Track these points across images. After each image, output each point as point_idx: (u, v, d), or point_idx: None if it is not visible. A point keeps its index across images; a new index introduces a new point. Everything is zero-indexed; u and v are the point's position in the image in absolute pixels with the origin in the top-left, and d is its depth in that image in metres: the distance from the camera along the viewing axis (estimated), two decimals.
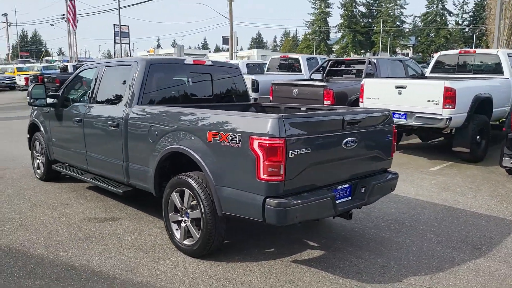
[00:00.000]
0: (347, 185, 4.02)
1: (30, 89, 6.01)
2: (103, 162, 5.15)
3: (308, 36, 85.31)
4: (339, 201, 3.92)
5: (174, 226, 4.19)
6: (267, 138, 3.30)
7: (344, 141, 3.79)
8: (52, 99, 6.05)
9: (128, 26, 56.51)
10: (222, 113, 3.85)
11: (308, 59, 13.51)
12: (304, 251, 4.27)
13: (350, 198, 4.07)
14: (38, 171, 6.81)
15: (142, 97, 4.72)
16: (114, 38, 54.54)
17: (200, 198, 3.81)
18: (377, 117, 4.31)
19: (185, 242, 4.07)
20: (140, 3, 42.98)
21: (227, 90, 5.68)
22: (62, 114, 5.92)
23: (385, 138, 4.38)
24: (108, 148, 5.03)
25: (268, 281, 3.62)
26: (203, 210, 3.80)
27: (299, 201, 3.42)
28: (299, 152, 3.41)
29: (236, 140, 3.50)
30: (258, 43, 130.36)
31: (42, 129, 6.52)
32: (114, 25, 54.92)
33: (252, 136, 3.38)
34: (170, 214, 4.20)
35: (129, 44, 59.66)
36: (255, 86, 11.92)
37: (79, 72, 6.03)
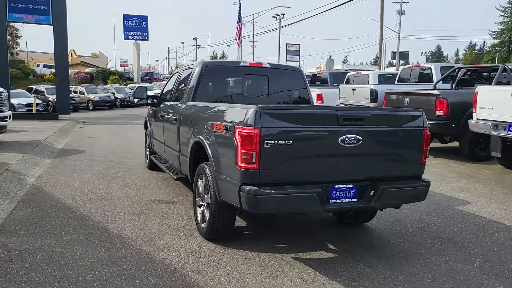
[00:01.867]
0: (350, 186, 3.84)
1: (134, 90, 7.22)
2: (170, 152, 5.92)
3: (495, 48, 75.59)
4: (336, 200, 3.78)
5: (198, 210, 4.61)
6: (244, 127, 3.47)
7: (340, 138, 3.66)
8: (153, 100, 7.17)
9: (299, 44, 59.81)
10: (223, 105, 4.13)
11: (442, 68, 12.33)
12: (315, 251, 4.20)
13: (355, 199, 3.87)
14: (146, 161, 8.08)
15: (195, 95, 5.31)
16: (286, 57, 58.36)
17: (209, 185, 4.15)
18: (396, 117, 3.98)
19: (202, 225, 4.45)
20: (297, 22, 44.55)
21: (285, 93, 5.86)
22: (156, 111, 6.96)
23: (412, 140, 4.01)
24: (173, 140, 5.77)
25: (252, 269, 3.73)
26: (210, 196, 4.14)
27: (273, 191, 3.47)
28: (276, 143, 3.47)
29: (228, 130, 3.76)
30: (436, 57, 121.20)
31: (148, 125, 7.75)
32: (287, 44, 58.88)
33: (235, 126, 3.60)
34: (196, 199, 4.65)
35: (298, 61, 62.90)
36: (373, 96, 11.51)
37: (171, 76, 7.01)
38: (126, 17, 40.05)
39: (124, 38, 40.13)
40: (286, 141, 3.50)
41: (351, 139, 3.69)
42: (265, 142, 3.43)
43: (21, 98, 23.59)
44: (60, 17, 18.97)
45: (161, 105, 6.69)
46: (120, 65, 70.43)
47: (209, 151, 4.13)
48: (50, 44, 19.44)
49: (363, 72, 15.01)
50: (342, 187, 3.81)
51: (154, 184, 6.72)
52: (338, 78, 16.68)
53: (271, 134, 3.47)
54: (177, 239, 4.38)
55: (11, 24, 48.99)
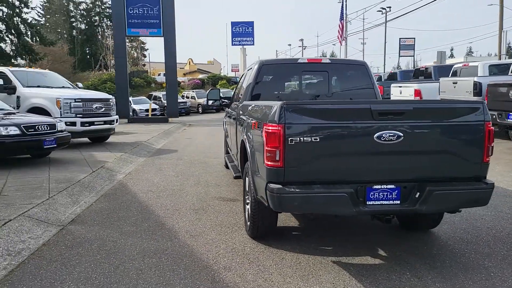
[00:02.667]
0: (392, 186, 3.51)
1: (207, 92, 7.54)
2: (234, 150, 6.05)
3: None
4: (374, 202, 3.49)
5: (246, 208, 4.65)
6: (269, 124, 3.41)
7: (376, 134, 3.37)
8: (227, 101, 7.41)
9: (414, 38, 56.38)
10: (262, 103, 4.08)
11: None
12: (361, 256, 3.93)
13: (398, 202, 3.52)
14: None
15: (252, 94, 5.35)
16: (399, 52, 55.54)
17: (249, 183, 4.16)
18: (445, 110, 3.52)
19: (248, 223, 4.47)
20: (406, 14, 41.61)
21: (348, 88, 5.57)
22: (227, 112, 7.18)
23: (468, 136, 3.52)
24: (233, 139, 5.89)
25: (284, 270, 3.63)
26: (250, 194, 4.15)
27: (298, 190, 3.34)
28: (302, 140, 3.33)
29: (260, 127, 3.72)
30: None
31: (224, 125, 8.03)
32: (400, 38, 56.00)
33: (263, 123, 3.55)
34: (245, 197, 4.69)
35: (413, 56, 59.29)
36: (477, 89, 10.31)
37: (241, 77, 7.16)
38: (233, 24, 41.91)
39: (232, 44, 42.04)
40: (313, 138, 3.34)
41: (390, 136, 3.38)
42: (289, 139, 3.33)
43: (142, 104, 26.33)
44: (169, 29, 20.61)
45: (231, 106, 6.88)
46: (232, 70, 73.79)
47: (248, 149, 4.14)
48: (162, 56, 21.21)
49: (471, 63, 13.50)
50: (381, 188, 3.50)
51: (224, 182, 6.93)
52: (445, 72, 15.29)
53: (297, 131, 3.34)
54: (224, 236, 4.46)
55: (140, 38, 54.84)
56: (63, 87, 11.26)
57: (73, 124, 9.99)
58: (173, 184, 6.84)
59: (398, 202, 3.53)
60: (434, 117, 3.49)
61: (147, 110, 24.98)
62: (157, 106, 26.73)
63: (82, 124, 10.17)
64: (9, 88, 10.17)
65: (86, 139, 11.51)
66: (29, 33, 30.10)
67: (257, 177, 3.84)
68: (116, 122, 11.44)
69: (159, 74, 47.76)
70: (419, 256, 3.91)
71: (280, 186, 3.37)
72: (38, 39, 30.52)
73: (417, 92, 12.74)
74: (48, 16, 66.62)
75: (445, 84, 11.99)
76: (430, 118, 3.48)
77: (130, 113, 22.98)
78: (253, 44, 42.04)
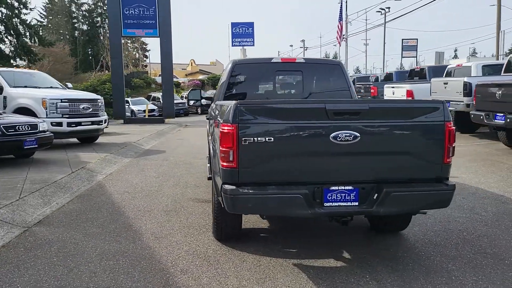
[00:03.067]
0: (350, 188, 3.42)
1: (188, 92, 7.46)
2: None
3: None
4: (332, 203, 3.40)
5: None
6: (224, 123, 3.33)
7: (332, 134, 3.28)
8: (209, 101, 7.33)
9: (416, 39, 56.18)
10: (224, 102, 3.99)
11: None
12: (324, 258, 3.85)
13: (357, 203, 3.44)
14: None
15: (225, 94, 5.27)
16: (402, 53, 55.38)
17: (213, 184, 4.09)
18: (403, 110, 3.43)
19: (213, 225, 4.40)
20: (405, 14, 41.41)
21: (322, 89, 5.49)
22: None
23: (428, 137, 3.43)
24: (208, 139, 5.82)
25: (242, 273, 3.56)
26: (213, 195, 4.07)
27: (251, 191, 3.26)
28: (256, 140, 3.26)
29: (218, 127, 3.65)
30: None
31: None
32: (402, 39, 55.83)
33: (220, 123, 3.47)
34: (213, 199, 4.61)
35: (416, 56, 59.03)
36: (467, 89, 10.19)
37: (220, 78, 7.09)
38: (233, 24, 41.79)
39: (232, 45, 41.90)
40: (267, 138, 3.26)
41: (346, 136, 3.29)
42: (243, 139, 3.25)
43: (140, 105, 26.32)
44: (165, 30, 20.55)
45: (211, 106, 6.81)
46: None
47: (211, 149, 4.07)
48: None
49: (465, 64, 13.38)
50: (339, 189, 3.42)
51: (205, 184, 6.85)
52: (440, 73, 15.16)
53: (251, 131, 3.26)
54: (189, 237, 4.39)
55: (141, 39, 54.88)
56: (51, 87, 11.23)
57: (59, 124, 9.96)
58: (151, 185, 6.78)
59: (357, 203, 3.44)
60: (392, 117, 3.40)
61: (144, 111, 24.96)
62: (155, 107, 26.69)
63: (69, 124, 10.13)
64: None
65: (75, 140, 11.48)
66: (28, 33, 30.12)
67: (217, 178, 3.77)
68: (105, 122, 11.39)
69: (159, 75, 47.81)
70: (382, 258, 3.83)
71: (233, 187, 3.29)
72: (37, 40, 30.52)
73: (409, 93, 12.63)
74: (51, 17, 66.84)
75: (436, 85, 11.88)
76: (387, 118, 3.39)
77: (129, 114, 22.99)
78: (253, 45, 41.90)
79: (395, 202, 3.36)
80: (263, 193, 3.27)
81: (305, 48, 67.26)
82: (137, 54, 61.97)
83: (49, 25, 64.29)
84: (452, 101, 10.72)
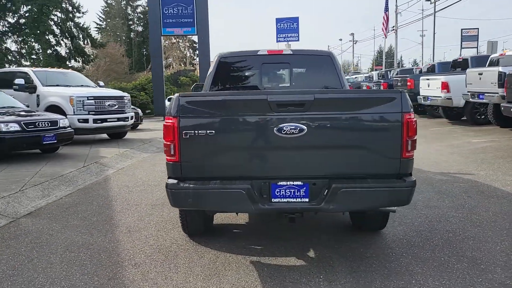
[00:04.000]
0: (300, 183, 3.24)
1: (192, 87, 7.38)
2: None
3: None
4: (280, 199, 3.24)
5: None
6: (167, 117, 3.28)
7: (277, 127, 3.12)
8: None
9: (477, 29, 52.97)
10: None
11: None
12: (286, 256, 3.71)
13: (307, 199, 3.25)
14: None
15: (209, 89, 5.21)
16: (461, 43, 52.50)
17: None
18: (354, 100, 3.19)
19: None
20: (454, 3, 38.98)
21: (311, 81, 5.27)
22: None
23: (383, 129, 3.18)
24: None
25: (194, 269, 3.49)
26: None
27: (191, 186, 3.18)
28: (197, 134, 3.17)
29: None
30: None
31: None
32: (462, 29, 52.90)
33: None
34: None
35: (477, 47, 55.72)
36: (502, 80, 9.40)
37: None
38: (278, 20, 41.46)
39: (277, 41, 41.43)
40: (208, 131, 3.16)
41: (291, 129, 3.12)
42: (183, 132, 3.18)
43: None
44: (203, 27, 20.86)
45: None
46: None
47: None
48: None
49: (508, 53, 12.32)
50: (287, 185, 3.25)
51: None
52: (483, 62, 14.13)
53: (192, 123, 3.18)
54: (161, 232, 4.38)
55: (192, 38, 56.19)
56: (82, 85, 11.74)
57: (86, 121, 10.38)
58: (153, 180, 6.87)
59: (307, 199, 3.25)
60: (341, 108, 3.18)
61: None
62: None
63: (95, 121, 10.53)
64: (30, 88, 10.76)
65: (105, 136, 11.94)
66: (80, 36, 31.78)
67: None
68: (131, 119, 11.73)
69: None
70: (348, 258, 3.60)
71: (174, 181, 3.23)
72: (89, 41, 32.15)
73: (444, 85, 11.88)
74: (108, 20, 70.06)
75: (471, 76, 11.06)
76: (337, 109, 3.17)
77: None
78: (298, 40, 41.27)
79: (345, 199, 3.14)
80: (203, 188, 3.18)
81: (354, 42, 65.55)
82: (187, 52, 63.46)
83: (107, 27, 67.46)
84: (487, 92, 9.95)
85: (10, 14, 30.78)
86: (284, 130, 3.11)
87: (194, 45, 65.96)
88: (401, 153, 3.16)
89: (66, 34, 32.00)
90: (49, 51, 30.61)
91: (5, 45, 31.92)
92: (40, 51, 30.34)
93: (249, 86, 5.27)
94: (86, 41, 32.30)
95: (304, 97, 3.13)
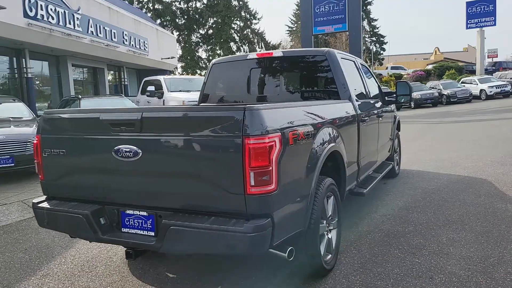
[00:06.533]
0: (145, 214, 2.83)
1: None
2: None
3: None
4: (129, 230, 2.90)
5: None
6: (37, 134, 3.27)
7: (113, 149, 2.80)
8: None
9: None
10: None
11: None
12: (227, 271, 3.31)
13: (153, 233, 2.82)
14: None
15: (201, 96, 5.00)
16: None
17: None
18: (187, 120, 2.56)
19: None
20: None
21: (303, 85, 4.45)
22: None
23: (219, 157, 2.50)
24: None
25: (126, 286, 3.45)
26: None
27: (45, 207, 3.12)
28: (52, 152, 3.10)
29: None
30: None
31: None
32: None
33: None
34: None
35: None
36: None
37: None
38: (469, 4, 36.19)
39: (467, 28, 36.34)
40: (60, 150, 3.06)
41: (126, 151, 2.75)
42: (44, 150, 3.15)
43: None
44: (354, 23, 19.95)
45: None
46: (488, 56, 63.70)
47: None
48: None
49: None
50: (135, 214, 2.88)
51: None
52: None
53: (49, 141, 3.13)
54: None
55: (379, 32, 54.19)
56: None
57: None
58: None
59: (153, 233, 2.82)
60: (174, 130, 2.61)
61: None
62: None
63: None
64: (159, 93, 12.22)
65: None
66: (255, 40, 34.34)
67: None
68: None
69: (386, 68, 46.12)
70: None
71: (36, 200, 3.23)
72: (263, 45, 34.49)
73: None
74: (299, 22, 73.49)
75: None
76: (169, 131, 2.63)
77: None
78: (494, 25, 35.32)
79: (175, 238, 2.60)
80: (54, 210, 3.09)
81: None
82: (374, 47, 61.27)
83: (298, 29, 70.83)
84: None
85: (201, 26, 35.49)
86: (120, 153, 2.77)
87: (381, 39, 63.40)
88: (244, 188, 2.42)
89: (244, 40, 35.10)
90: None
91: (197, 54, 36.99)
92: None
93: (236, 95, 4.81)
94: (260, 45, 34.83)
95: (132, 115, 2.71)
